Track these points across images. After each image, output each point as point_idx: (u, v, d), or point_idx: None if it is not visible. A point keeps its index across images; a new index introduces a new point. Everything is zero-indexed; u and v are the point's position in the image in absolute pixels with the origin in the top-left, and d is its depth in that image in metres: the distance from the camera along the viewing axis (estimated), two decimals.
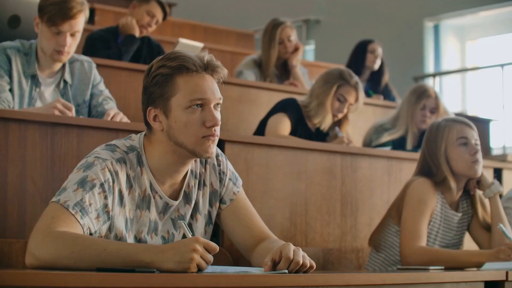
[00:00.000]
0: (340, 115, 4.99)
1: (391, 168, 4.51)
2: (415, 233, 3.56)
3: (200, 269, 2.23)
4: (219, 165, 2.84)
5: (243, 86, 5.80)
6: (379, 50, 7.11)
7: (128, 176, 2.61)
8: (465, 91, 10.04)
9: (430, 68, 9.99)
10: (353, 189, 4.30)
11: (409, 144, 5.49)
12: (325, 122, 4.93)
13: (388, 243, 3.78)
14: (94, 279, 1.95)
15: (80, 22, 3.84)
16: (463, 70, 10.02)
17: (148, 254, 2.25)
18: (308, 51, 11.43)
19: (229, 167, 2.88)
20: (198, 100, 2.56)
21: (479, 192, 3.83)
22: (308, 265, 2.44)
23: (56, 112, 3.48)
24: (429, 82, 9.95)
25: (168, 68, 2.58)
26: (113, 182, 2.55)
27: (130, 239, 2.62)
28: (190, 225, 2.78)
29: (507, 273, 2.80)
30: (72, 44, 3.86)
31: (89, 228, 2.46)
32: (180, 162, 2.66)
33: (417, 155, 4.69)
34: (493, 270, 3.00)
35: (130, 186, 2.61)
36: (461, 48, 10.19)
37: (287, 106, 4.96)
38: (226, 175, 2.86)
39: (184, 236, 2.74)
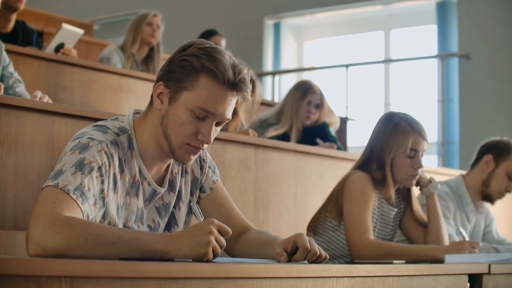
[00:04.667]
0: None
1: (297, 163, 4.48)
2: (364, 226, 3.53)
3: (214, 254, 2.09)
4: None
5: (122, 75, 5.65)
6: (222, 44, 7.11)
7: (120, 159, 2.42)
8: None
9: (269, 66, 10.08)
10: (265, 183, 4.25)
11: (293, 139, 5.50)
12: None
13: (325, 238, 3.74)
14: (135, 268, 1.76)
15: None
16: (302, 69, 10.19)
17: (164, 243, 2.09)
18: None
19: (207, 155, 2.75)
20: (204, 112, 2.39)
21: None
22: (323, 256, 2.38)
23: None
24: (268, 80, 10.03)
25: (200, 63, 2.38)
26: (109, 165, 2.36)
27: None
28: (172, 214, 2.62)
29: (489, 266, 2.84)
30: None
31: (87, 215, 2.26)
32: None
33: (321, 150, 4.73)
34: (456, 263, 3.05)
35: (121, 171, 2.43)
36: (299, 47, 10.35)
37: None
38: (206, 162, 2.74)
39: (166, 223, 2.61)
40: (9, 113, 3.08)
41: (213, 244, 2.07)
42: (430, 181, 3.79)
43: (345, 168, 4.60)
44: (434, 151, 8.80)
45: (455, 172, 5.95)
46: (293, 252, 2.38)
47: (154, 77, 5.73)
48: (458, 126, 8.46)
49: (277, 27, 10.14)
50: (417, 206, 3.83)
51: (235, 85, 2.40)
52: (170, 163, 2.60)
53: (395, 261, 3.20)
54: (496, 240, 4.62)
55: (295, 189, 4.44)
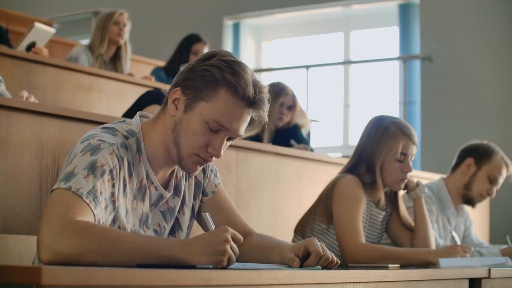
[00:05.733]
0: None
1: (276, 165, 4.47)
2: (355, 230, 3.53)
3: (229, 262, 2.07)
4: None
5: (93, 75, 5.59)
6: (204, 51, 7.01)
7: (129, 163, 2.38)
8: None
9: None
10: (246, 185, 4.23)
11: (265, 141, 5.49)
12: None
13: None
14: (171, 276, 1.74)
15: None
16: (261, 70, 10.16)
17: (179, 248, 2.06)
18: None
19: None
20: (219, 126, 2.35)
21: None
22: (335, 261, 2.37)
23: None
24: None
25: (222, 76, 2.34)
26: (120, 169, 2.31)
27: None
28: (177, 219, 2.58)
29: (489, 270, 2.86)
30: None
31: (99, 219, 2.21)
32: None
33: (299, 152, 4.71)
34: (452, 267, 3.07)
35: (130, 175, 2.38)
36: (258, 48, 10.32)
37: (158, 97, 4.77)
38: (208, 166, 2.70)
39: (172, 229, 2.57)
40: None
41: (229, 253, 2.05)
42: (418, 184, 3.80)
43: (323, 170, 4.63)
44: None
45: (416, 173, 5.99)
46: (304, 257, 2.37)
47: (124, 76, 5.72)
48: (420, 128, 8.50)
49: (236, 27, 10.11)
50: (403, 209, 3.84)
51: (254, 103, 2.35)
52: (175, 167, 2.56)
53: (390, 266, 3.20)
54: (475, 243, 4.66)
55: (274, 191, 4.43)
